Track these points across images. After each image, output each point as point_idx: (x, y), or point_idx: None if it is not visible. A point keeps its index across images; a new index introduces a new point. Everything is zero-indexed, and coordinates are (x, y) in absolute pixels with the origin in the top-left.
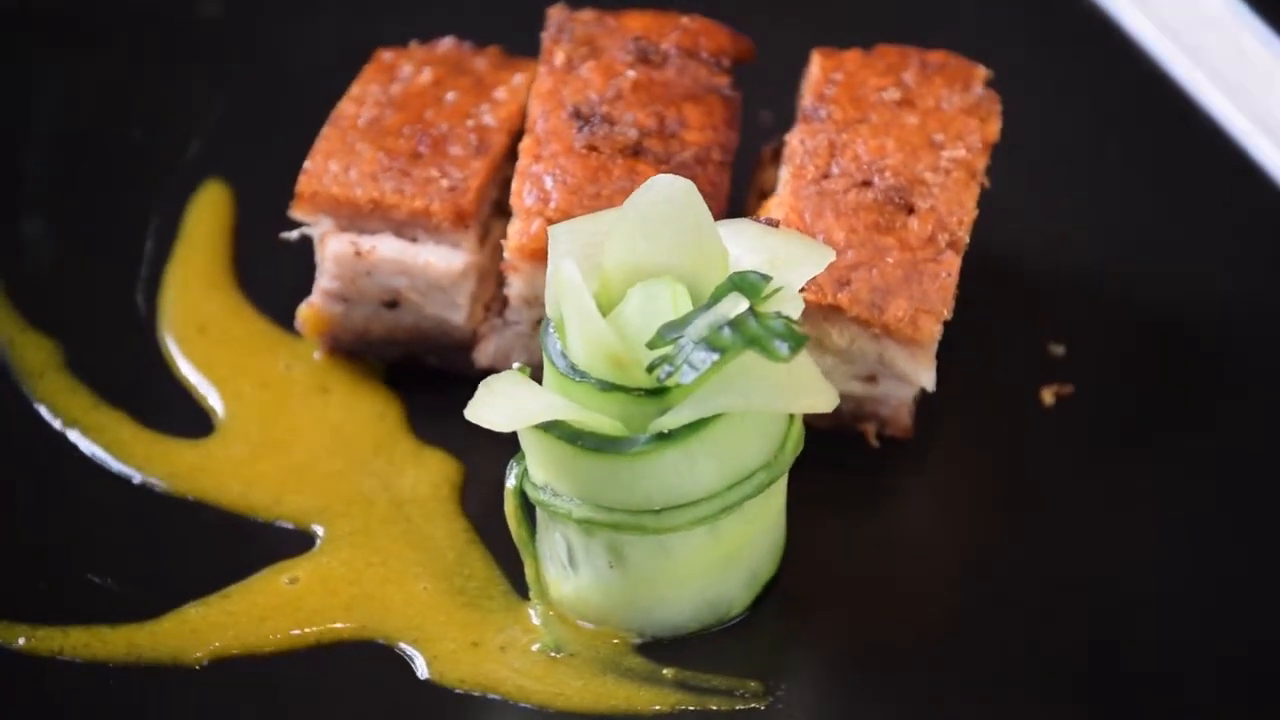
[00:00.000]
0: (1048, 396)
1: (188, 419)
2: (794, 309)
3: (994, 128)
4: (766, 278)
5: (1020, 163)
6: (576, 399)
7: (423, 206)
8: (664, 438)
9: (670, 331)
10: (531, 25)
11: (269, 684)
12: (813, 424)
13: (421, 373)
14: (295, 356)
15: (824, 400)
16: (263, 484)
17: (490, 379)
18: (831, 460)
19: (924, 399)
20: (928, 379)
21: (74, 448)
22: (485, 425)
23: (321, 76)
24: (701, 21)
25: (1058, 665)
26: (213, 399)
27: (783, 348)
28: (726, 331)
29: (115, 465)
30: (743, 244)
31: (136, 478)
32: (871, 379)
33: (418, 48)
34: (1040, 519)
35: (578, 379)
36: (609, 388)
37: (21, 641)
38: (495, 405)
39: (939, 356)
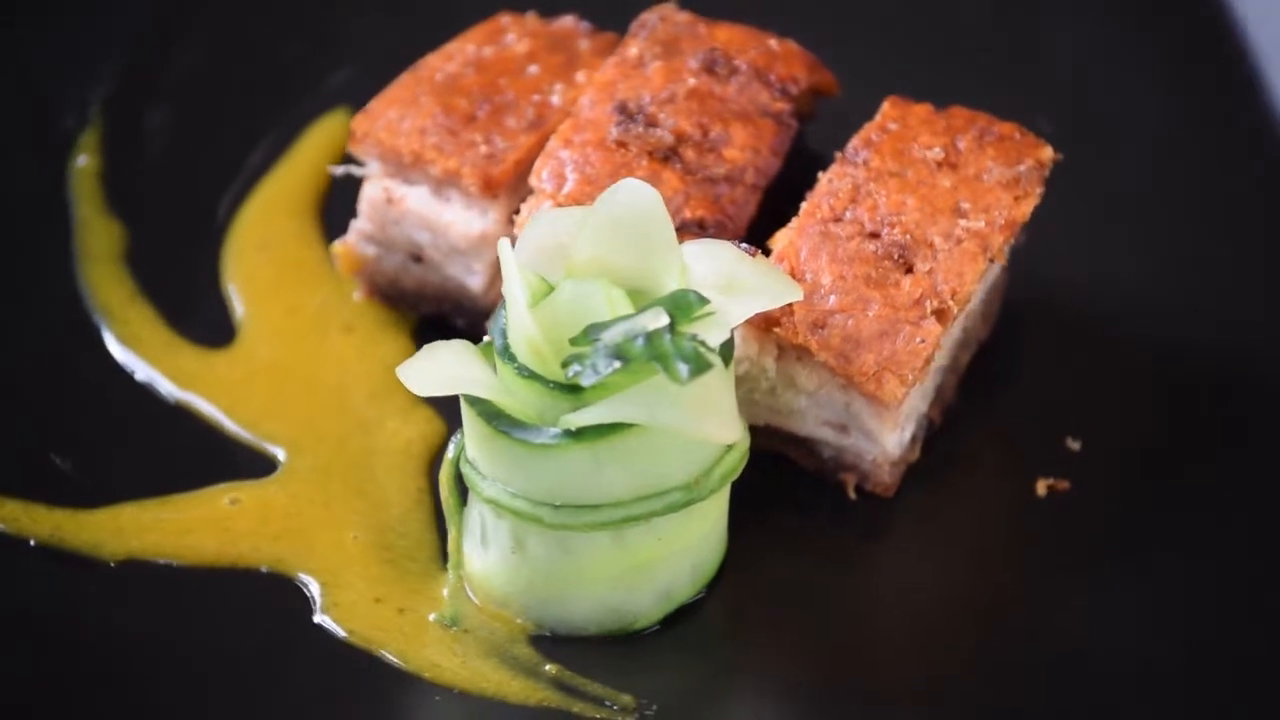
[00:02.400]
0: (1041, 488)
1: (213, 329)
2: (717, 337)
3: (1026, 208)
4: (703, 300)
5: (1091, 240)
6: (504, 380)
7: (454, 168)
8: (570, 435)
9: (594, 332)
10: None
11: (168, 595)
12: (798, 465)
13: (449, 333)
14: (335, 292)
15: (729, 432)
16: (249, 403)
17: (435, 344)
18: (805, 503)
19: (919, 466)
20: (891, 440)
21: (95, 332)
22: (406, 385)
23: None
24: (788, 46)
25: None
26: (241, 314)
27: (684, 370)
28: (639, 342)
29: (122, 358)
30: (710, 264)
31: (138, 373)
32: (844, 429)
33: (535, 18)
34: (995, 598)
35: (505, 360)
36: (528, 374)
37: None
38: (422, 368)
39: (947, 429)
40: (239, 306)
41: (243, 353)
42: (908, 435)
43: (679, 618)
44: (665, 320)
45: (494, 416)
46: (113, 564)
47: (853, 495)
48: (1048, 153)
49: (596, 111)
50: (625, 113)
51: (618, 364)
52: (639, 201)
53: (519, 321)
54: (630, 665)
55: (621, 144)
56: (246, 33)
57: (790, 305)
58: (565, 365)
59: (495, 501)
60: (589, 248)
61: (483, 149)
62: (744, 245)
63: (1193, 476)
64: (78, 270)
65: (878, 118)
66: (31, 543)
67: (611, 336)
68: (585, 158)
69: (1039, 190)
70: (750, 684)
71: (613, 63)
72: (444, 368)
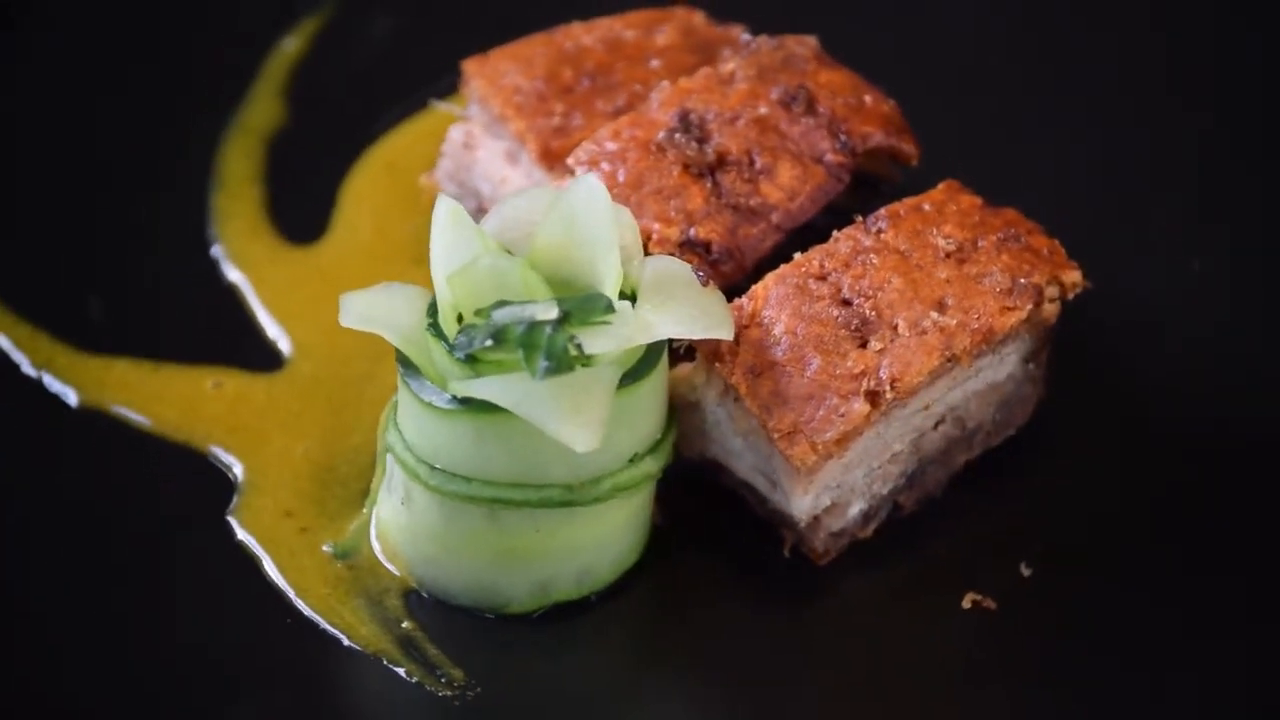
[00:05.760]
0: (967, 600)
1: (305, 228)
2: (604, 345)
3: (1007, 321)
4: (610, 309)
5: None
6: (425, 334)
7: (521, 130)
8: (455, 401)
9: (494, 308)
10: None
11: (111, 450)
12: (751, 508)
13: None
14: (427, 226)
15: (584, 440)
16: (290, 302)
17: (395, 283)
18: (739, 548)
19: (866, 545)
20: (798, 506)
21: (199, 198)
22: (340, 312)
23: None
24: (881, 106)
25: None
26: (336, 221)
27: (542, 365)
28: (520, 329)
29: (207, 230)
30: (657, 277)
31: (214, 249)
32: (774, 483)
33: (703, 18)
34: (871, 694)
35: (428, 315)
36: (436, 334)
37: None
38: (365, 300)
39: (916, 519)
40: (338, 214)
41: (313, 256)
42: (856, 510)
43: (559, 615)
44: (554, 314)
45: (404, 365)
46: (77, 408)
47: (786, 554)
48: (1072, 276)
49: (660, 113)
50: (684, 121)
51: (489, 343)
52: (590, 199)
53: (436, 281)
54: (484, 645)
55: (662, 149)
56: None
57: (736, 345)
58: (460, 332)
59: (391, 448)
60: (546, 233)
61: (556, 121)
62: (700, 273)
63: (1108, 649)
64: (221, 142)
65: (922, 195)
66: (22, 368)
67: (502, 316)
68: (623, 153)
69: (1029, 307)
70: (585, 695)
71: (704, 72)
72: (382, 306)
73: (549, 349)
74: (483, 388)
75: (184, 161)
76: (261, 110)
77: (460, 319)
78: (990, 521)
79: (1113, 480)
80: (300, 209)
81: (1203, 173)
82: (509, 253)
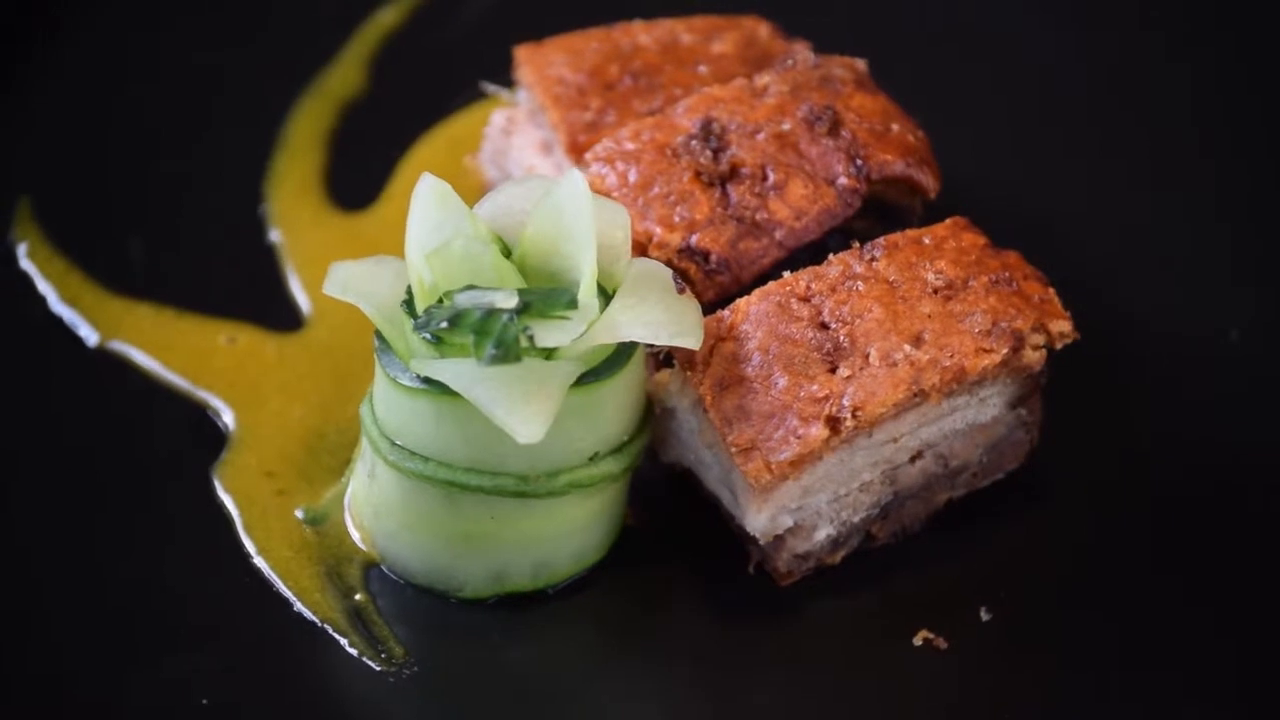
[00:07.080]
0: (919, 638)
1: (358, 195)
2: (554, 340)
3: (980, 363)
4: (572, 304)
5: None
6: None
7: (555, 121)
8: (416, 380)
9: (460, 292)
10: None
11: (112, 393)
12: (726, 523)
13: None
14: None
15: (527, 431)
16: (320, 266)
17: (387, 256)
18: (707, 557)
19: (833, 571)
20: (754, 523)
21: (261, 155)
22: (326, 280)
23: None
24: (908, 136)
25: None
26: (387, 192)
27: (490, 352)
28: (476, 314)
29: (261, 186)
30: (636, 280)
31: (260, 209)
32: (735, 497)
33: (770, 30)
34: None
35: (405, 292)
36: (409, 310)
37: (24, 246)
38: (352, 270)
39: (888, 551)
40: (390, 187)
41: (355, 223)
42: (822, 535)
43: (514, 604)
44: (513, 302)
45: (377, 337)
46: (90, 345)
47: (751, 570)
48: (1060, 326)
49: (685, 119)
50: (705, 129)
51: (445, 325)
52: (575, 196)
53: (409, 258)
54: (432, 626)
55: (676, 154)
56: None
57: (709, 356)
58: (424, 312)
59: (362, 420)
60: (535, 226)
61: (589, 116)
62: (678, 281)
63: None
64: (297, 99)
65: (925, 228)
66: (47, 301)
67: (463, 300)
68: (639, 154)
69: (1003, 352)
70: (521, 684)
71: (738, 83)
72: (365, 278)
73: (499, 337)
74: (439, 369)
75: (255, 117)
76: (343, 76)
77: (441, 300)
78: (963, 562)
79: (1094, 535)
80: (356, 177)
81: (1245, 235)
82: (500, 239)
